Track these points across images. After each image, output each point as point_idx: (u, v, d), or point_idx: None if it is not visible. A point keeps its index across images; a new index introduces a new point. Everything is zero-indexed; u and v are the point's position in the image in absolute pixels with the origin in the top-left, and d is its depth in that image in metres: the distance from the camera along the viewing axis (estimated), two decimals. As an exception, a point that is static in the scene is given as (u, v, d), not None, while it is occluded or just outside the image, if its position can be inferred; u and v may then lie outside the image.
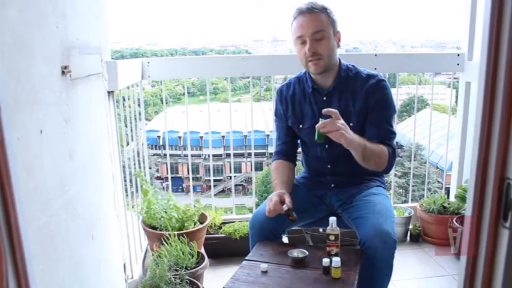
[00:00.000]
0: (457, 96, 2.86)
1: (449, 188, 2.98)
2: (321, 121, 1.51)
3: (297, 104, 1.78)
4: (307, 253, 1.48)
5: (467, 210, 0.65)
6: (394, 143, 1.72)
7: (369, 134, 1.68)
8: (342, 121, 1.51)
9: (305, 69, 1.74)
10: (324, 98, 1.73)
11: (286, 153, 1.84)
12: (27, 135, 1.05)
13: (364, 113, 1.68)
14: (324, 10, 1.64)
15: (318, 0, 1.66)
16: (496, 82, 0.58)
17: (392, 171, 3.28)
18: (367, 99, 1.67)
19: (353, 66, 1.75)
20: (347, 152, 1.62)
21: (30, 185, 1.05)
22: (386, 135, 1.68)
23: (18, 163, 0.97)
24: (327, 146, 1.73)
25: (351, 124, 1.68)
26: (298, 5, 1.67)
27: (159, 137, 20.84)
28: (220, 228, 2.54)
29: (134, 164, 2.37)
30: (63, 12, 1.32)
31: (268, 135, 19.51)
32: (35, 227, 1.06)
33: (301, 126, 1.78)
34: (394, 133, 1.71)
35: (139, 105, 2.55)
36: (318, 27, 1.62)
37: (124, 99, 2.24)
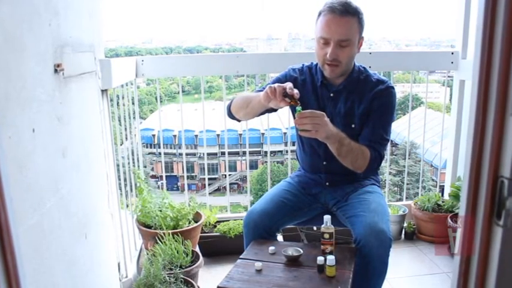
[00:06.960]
0: (451, 95, 2.87)
1: (443, 186, 3.00)
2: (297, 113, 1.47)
3: (305, 93, 1.74)
4: (301, 251, 1.48)
5: (461, 208, 0.65)
6: (384, 150, 1.71)
7: (362, 134, 1.68)
8: (320, 119, 1.47)
9: (320, 67, 1.69)
10: (331, 95, 1.72)
11: None
12: (19, 134, 1.03)
13: (366, 115, 1.67)
14: (357, 14, 1.57)
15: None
16: (489, 80, 0.58)
17: (387, 170, 3.31)
18: (372, 103, 1.67)
19: (364, 68, 1.74)
20: None
21: (23, 183, 1.04)
22: (377, 140, 1.66)
23: (10, 161, 0.96)
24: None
25: (353, 125, 1.68)
26: None
27: (153, 135, 20.77)
28: (215, 226, 2.53)
29: (128, 163, 2.36)
30: (55, 9, 1.31)
31: (263, 134, 19.49)
32: (27, 226, 1.04)
33: None
34: (386, 140, 1.70)
35: (133, 103, 2.53)
36: (346, 35, 1.56)
37: (118, 98, 2.23)
